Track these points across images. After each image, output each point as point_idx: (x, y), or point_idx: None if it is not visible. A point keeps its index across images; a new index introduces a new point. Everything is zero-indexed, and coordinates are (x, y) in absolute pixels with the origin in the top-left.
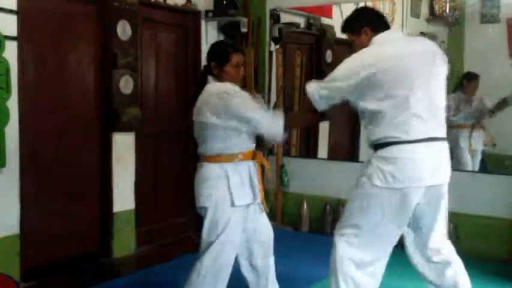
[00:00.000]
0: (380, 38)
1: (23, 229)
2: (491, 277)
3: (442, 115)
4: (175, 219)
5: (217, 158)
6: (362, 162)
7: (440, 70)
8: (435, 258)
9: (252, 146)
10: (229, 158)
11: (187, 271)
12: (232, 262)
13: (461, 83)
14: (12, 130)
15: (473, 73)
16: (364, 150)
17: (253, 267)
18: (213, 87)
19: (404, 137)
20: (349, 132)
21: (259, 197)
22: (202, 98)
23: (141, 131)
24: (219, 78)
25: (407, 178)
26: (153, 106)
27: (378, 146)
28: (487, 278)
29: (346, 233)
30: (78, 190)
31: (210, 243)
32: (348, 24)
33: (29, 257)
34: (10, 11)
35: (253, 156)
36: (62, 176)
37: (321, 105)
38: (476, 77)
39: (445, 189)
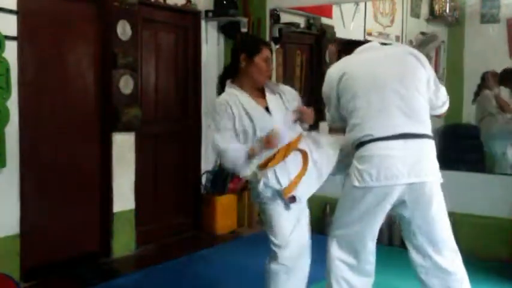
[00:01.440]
0: (354, 51)
1: (23, 229)
2: (491, 277)
3: (420, 112)
4: (175, 219)
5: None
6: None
7: (417, 70)
8: (439, 262)
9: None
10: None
11: (187, 271)
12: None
13: (503, 79)
14: (12, 130)
15: (486, 71)
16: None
17: None
18: (226, 94)
19: (377, 134)
20: None
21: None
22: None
23: (141, 131)
24: (244, 74)
25: (384, 175)
26: (153, 106)
27: (355, 147)
28: (487, 278)
29: (336, 234)
30: (78, 190)
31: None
32: None
33: (29, 257)
34: (10, 11)
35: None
36: (62, 176)
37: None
38: (487, 72)
39: (431, 188)
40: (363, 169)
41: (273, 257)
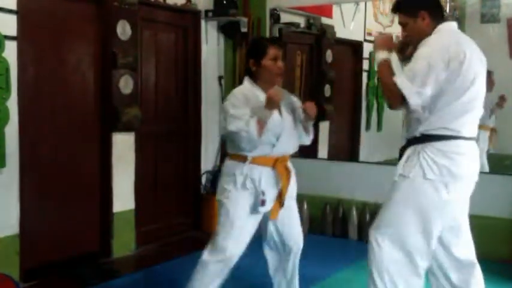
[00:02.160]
0: (448, 28)
1: (23, 229)
2: (491, 277)
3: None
4: (175, 219)
5: (232, 156)
6: (362, 162)
7: (484, 74)
8: (464, 258)
9: (269, 153)
10: (241, 158)
11: (187, 271)
12: (234, 258)
13: None
14: (12, 130)
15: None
16: (364, 150)
17: (278, 276)
18: (234, 90)
19: (462, 133)
20: (350, 133)
21: (272, 205)
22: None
23: (141, 131)
24: (258, 75)
25: (461, 174)
26: (153, 106)
27: (429, 137)
28: (487, 278)
29: (389, 232)
30: (78, 190)
31: (216, 235)
32: (404, 4)
33: (28, 257)
34: (10, 11)
35: (273, 164)
36: (61, 176)
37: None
38: (490, 73)
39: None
40: (441, 164)
41: (213, 252)
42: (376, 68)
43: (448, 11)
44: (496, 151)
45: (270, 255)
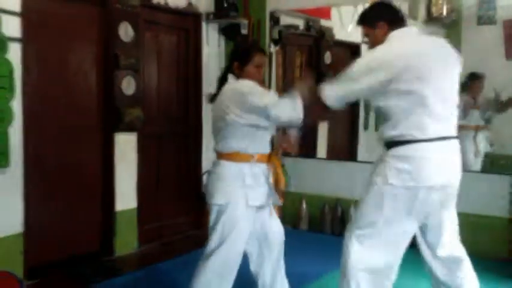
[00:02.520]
0: (397, 34)
1: (27, 228)
2: (490, 276)
3: (455, 115)
4: (177, 218)
5: (233, 156)
6: (361, 162)
7: (454, 70)
8: (447, 256)
9: (267, 149)
10: (245, 157)
11: (189, 269)
12: (239, 261)
13: (466, 83)
14: (16, 130)
15: (476, 73)
16: (363, 150)
17: (263, 270)
18: (232, 84)
19: (420, 136)
20: (348, 132)
21: (273, 199)
22: (222, 95)
23: (143, 131)
24: (240, 78)
25: (423, 177)
26: (155, 107)
27: (392, 144)
28: (486, 277)
29: (360, 233)
30: (81, 189)
31: (220, 242)
32: (364, 17)
33: (32, 255)
34: (14, 13)
35: (268, 159)
36: (65, 176)
37: (336, 105)
38: (479, 77)
39: (456, 189)
40: (402, 169)
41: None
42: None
43: (445, 13)
44: (493, 151)
45: (251, 249)
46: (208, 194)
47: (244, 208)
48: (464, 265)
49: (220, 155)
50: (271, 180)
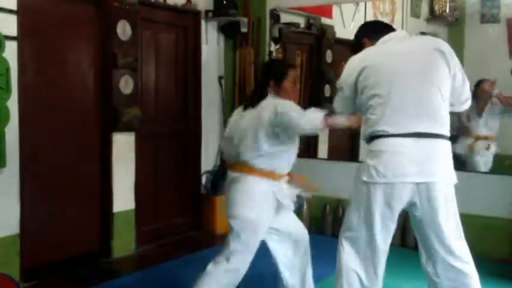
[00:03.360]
0: (379, 41)
1: (23, 229)
2: (491, 277)
3: (439, 112)
4: (175, 219)
5: (264, 173)
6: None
7: (438, 70)
8: (450, 261)
9: (286, 169)
10: (271, 175)
11: (188, 270)
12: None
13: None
14: (12, 130)
15: (480, 80)
16: (363, 150)
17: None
18: (272, 99)
19: (390, 131)
20: (349, 132)
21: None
22: (261, 107)
23: (141, 131)
24: (277, 95)
25: (391, 173)
26: (153, 106)
27: (367, 140)
28: (487, 278)
29: (347, 236)
30: (78, 190)
31: (236, 251)
32: (354, 41)
33: (29, 257)
34: (10, 11)
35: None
36: (62, 176)
37: (342, 112)
38: (480, 83)
39: (441, 188)
40: (371, 164)
41: (228, 259)
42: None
43: (448, 11)
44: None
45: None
46: (235, 205)
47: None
48: (467, 271)
49: (248, 169)
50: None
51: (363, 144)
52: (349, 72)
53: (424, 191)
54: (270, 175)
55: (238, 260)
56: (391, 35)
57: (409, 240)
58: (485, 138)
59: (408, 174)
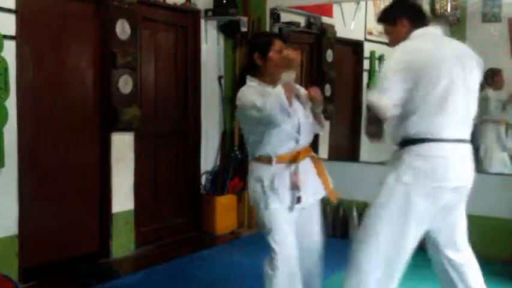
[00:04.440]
0: (419, 33)
1: (22, 229)
2: (492, 277)
3: (472, 119)
4: (174, 220)
5: (256, 159)
6: (363, 162)
7: (473, 75)
8: (456, 259)
9: (292, 147)
10: (266, 160)
11: (187, 271)
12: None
13: (487, 80)
14: (11, 130)
15: (496, 68)
16: (364, 150)
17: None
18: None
19: (438, 136)
20: (350, 132)
21: (311, 199)
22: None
23: (141, 131)
24: (263, 71)
25: (438, 177)
26: (152, 105)
27: (409, 142)
28: (488, 279)
29: (367, 240)
30: (77, 190)
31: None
32: (385, 14)
33: (27, 257)
34: (8, 10)
35: (295, 159)
36: (60, 176)
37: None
38: (500, 71)
39: (468, 191)
40: (418, 167)
41: (271, 260)
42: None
43: (449, 10)
44: None
45: None
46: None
47: (268, 211)
48: (474, 269)
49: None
50: (315, 175)
51: (367, 143)
52: (402, 65)
53: (458, 194)
54: (265, 160)
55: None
56: (430, 29)
57: None
58: None
59: (452, 179)
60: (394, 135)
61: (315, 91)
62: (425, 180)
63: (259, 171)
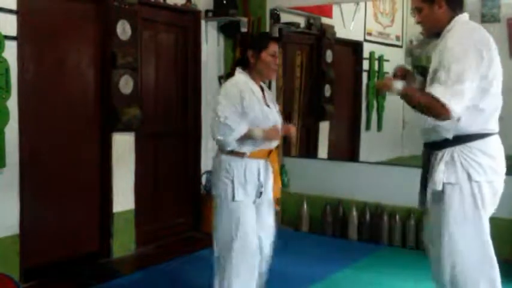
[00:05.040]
0: (465, 19)
1: (23, 229)
2: None
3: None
4: (175, 219)
5: (227, 152)
6: (362, 162)
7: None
8: None
9: (264, 145)
10: (238, 154)
11: (187, 271)
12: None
13: None
14: (12, 130)
15: None
16: (364, 150)
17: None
18: (227, 82)
19: (495, 129)
20: (349, 132)
21: (269, 194)
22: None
23: (141, 131)
24: (254, 68)
25: (501, 171)
26: (152, 106)
27: (467, 138)
28: None
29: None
30: (78, 190)
31: (230, 239)
32: None
33: (28, 257)
34: (10, 11)
35: (267, 155)
36: (61, 176)
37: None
38: None
39: None
40: (484, 163)
41: (227, 250)
42: (404, 100)
43: None
44: None
45: None
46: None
47: (234, 202)
48: None
49: (220, 149)
50: (272, 175)
51: (366, 143)
52: (484, 51)
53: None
54: (238, 154)
55: None
56: (466, 15)
57: (409, 240)
58: None
59: (504, 171)
60: (439, 131)
61: (291, 131)
62: (493, 174)
63: (229, 164)
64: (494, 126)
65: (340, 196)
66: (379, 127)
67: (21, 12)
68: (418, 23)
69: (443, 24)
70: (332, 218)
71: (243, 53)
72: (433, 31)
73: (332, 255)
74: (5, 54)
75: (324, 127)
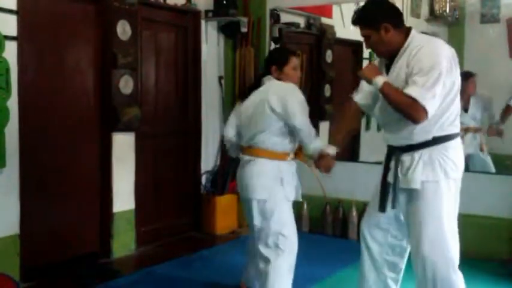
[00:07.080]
0: (416, 33)
1: (23, 229)
2: (491, 277)
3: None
4: (175, 220)
5: (271, 154)
6: (362, 162)
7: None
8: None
9: (295, 147)
10: (283, 156)
11: (187, 271)
12: None
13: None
14: (12, 130)
15: (466, 72)
16: (364, 150)
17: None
18: (276, 84)
19: (456, 131)
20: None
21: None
22: (263, 92)
23: (141, 131)
24: (279, 80)
25: (462, 168)
26: (153, 106)
27: (443, 138)
28: (487, 278)
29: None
30: (78, 190)
31: (277, 236)
32: (365, 17)
33: (28, 257)
34: (10, 11)
35: (296, 157)
36: (61, 176)
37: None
38: (473, 75)
39: None
40: (453, 159)
41: (284, 249)
42: (382, 94)
43: (448, 11)
44: (496, 151)
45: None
46: (250, 189)
47: (287, 203)
48: None
49: (257, 151)
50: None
51: (367, 143)
52: (452, 58)
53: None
54: (283, 156)
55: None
56: (413, 30)
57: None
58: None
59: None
60: (416, 134)
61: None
62: (460, 173)
63: (273, 166)
64: (458, 125)
65: (340, 196)
66: (379, 127)
67: (21, 12)
68: (369, 48)
69: (398, 45)
70: (332, 218)
71: (267, 69)
72: (389, 53)
73: (332, 255)
74: (5, 54)
75: (324, 127)
